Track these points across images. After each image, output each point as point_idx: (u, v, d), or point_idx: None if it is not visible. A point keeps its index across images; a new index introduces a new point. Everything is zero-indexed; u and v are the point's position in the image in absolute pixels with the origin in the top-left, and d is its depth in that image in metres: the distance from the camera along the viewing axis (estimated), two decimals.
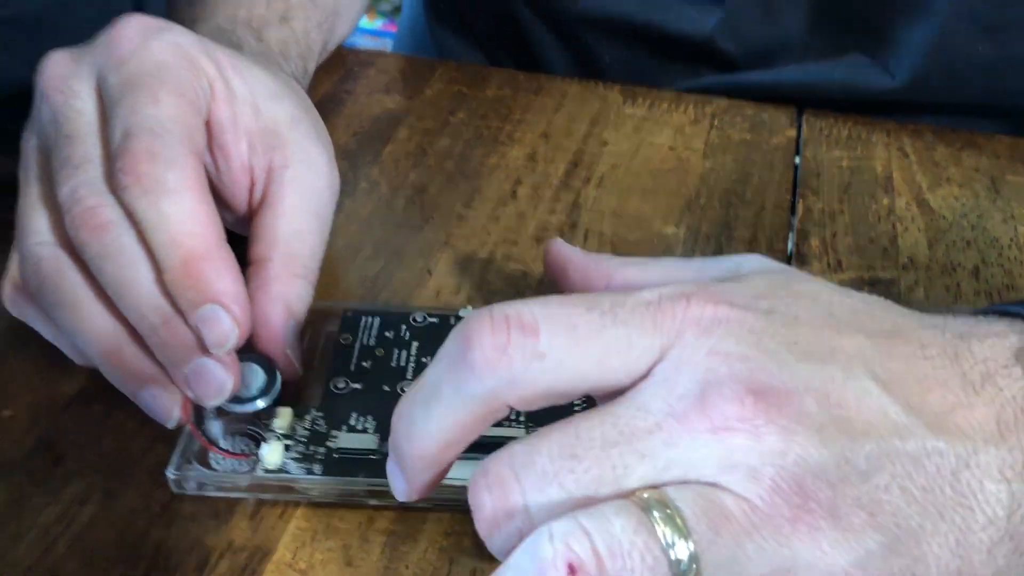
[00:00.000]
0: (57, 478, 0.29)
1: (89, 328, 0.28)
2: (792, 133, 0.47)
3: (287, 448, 0.28)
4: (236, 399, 0.28)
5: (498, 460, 0.22)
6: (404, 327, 0.32)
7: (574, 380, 0.22)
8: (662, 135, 0.46)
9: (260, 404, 0.29)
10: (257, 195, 0.32)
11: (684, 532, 0.20)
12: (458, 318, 0.32)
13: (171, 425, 0.28)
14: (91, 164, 0.29)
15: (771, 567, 0.21)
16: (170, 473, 0.28)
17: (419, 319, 0.33)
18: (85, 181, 0.28)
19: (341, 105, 0.48)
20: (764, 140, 0.46)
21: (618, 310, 0.22)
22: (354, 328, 0.32)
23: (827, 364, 0.22)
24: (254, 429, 0.29)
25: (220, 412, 0.29)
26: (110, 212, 0.28)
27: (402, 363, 0.31)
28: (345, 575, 0.27)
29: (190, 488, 0.28)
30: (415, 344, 0.32)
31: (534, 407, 0.23)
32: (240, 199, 0.32)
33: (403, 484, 0.24)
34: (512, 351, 0.22)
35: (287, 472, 0.28)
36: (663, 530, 0.20)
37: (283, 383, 0.29)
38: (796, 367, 0.22)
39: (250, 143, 0.31)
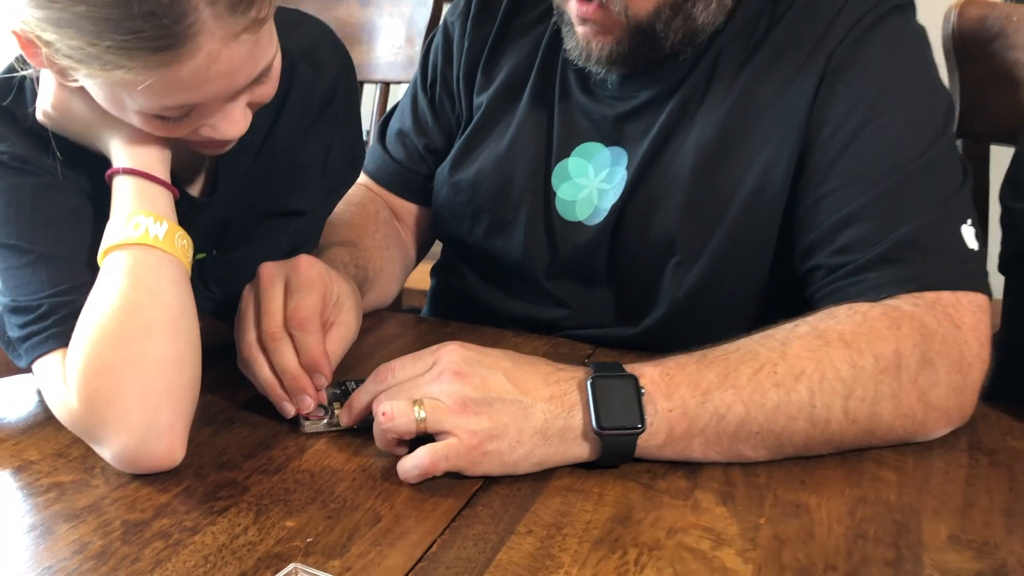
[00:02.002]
0: (238, 422, 0.76)
1: (264, 378, 0.76)
2: (590, 351, 0.95)
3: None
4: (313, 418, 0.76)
5: (384, 394, 0.70)
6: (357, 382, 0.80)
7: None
8: (524, 349, 0.95)
9: (326, 422, 0.76)
10: (328, 328, 0.80)
11: (421, 408, 0.68)
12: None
13: (289, 416, 0.75)
14: (276, 315, 0.76)
15: (441, 418, 0.68)
16: (304, 426, 0.75)
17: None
18: (272, 322, 0.75)
19: (384, 321, 0.98)
20: (574, 352, 0.94)
21: (422, 358, 0.71)
22: (345, 384, 0.80)
23: (490, 369, 0.70)
24: (330, 408, 0.76)
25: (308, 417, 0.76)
26: (280, 335, 0.75)
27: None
28: (337, 464, 0.72)
29: (308, 429, 0.75)
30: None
31: None
32: (323, 325, 0.80)
33: (348, 419, 0.74)
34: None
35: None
36: (415, 407, 0.68)
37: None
38: (477, 369, 0.69)
39: (331, 308, 0.79)
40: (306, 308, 0.75)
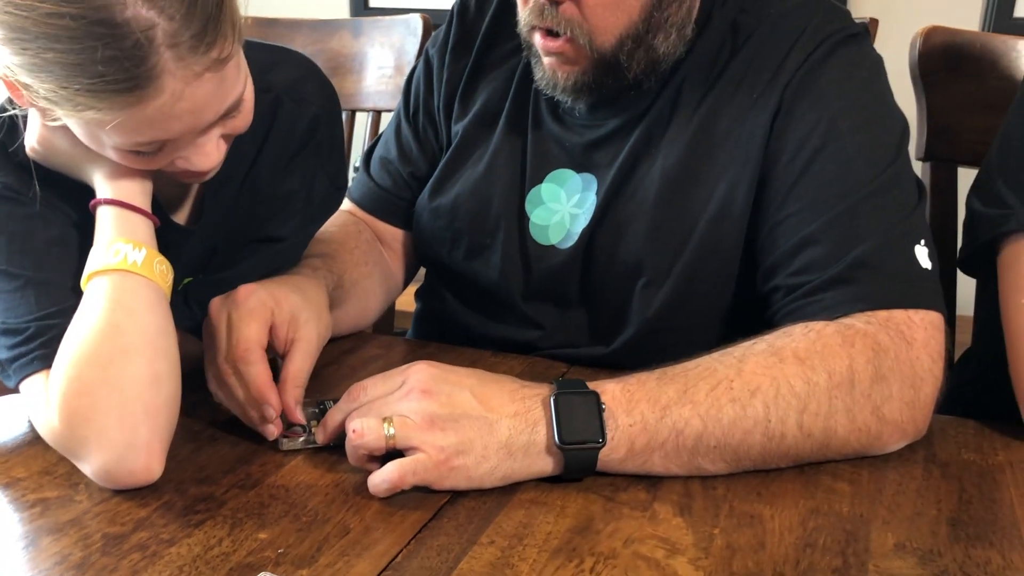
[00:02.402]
0: (220, 439, 0.79)
1: (232, 408, 0.80)
2: (565, 369, 0.98)
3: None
4: (291, 436, 0.79)
5: (355, 412, 0.73)
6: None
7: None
8: (501, 369, 0.97)
9: (303, 440, 0.79)
10: (288, 346, 0.83)
11: (390, 425, 0.71)
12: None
13: (270, 439, 0.79)
14: (222, 351, 0.79)
15: (409, 434, 0.71)
16: (282, 444, 0.78)
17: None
18: (219, 359, 0.79)
19: (366, 342, 1.01)
20: (549, 371, 0.97)
21: (392, 377, 0.74)
22: (323, 404, 0.83)
23: (456, 387, 0.73)
24: (308, 427, 0.79)
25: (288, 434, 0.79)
26: (226, 371, 0.79)
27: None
28: (312, 480, 0.75)
29: (285, 447, 0.78)
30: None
31: None
32: (282, 346, 0.83)
33: (323, 437, 0.76)
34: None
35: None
36: (385, 424, 0.71)
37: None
38: (443, 387, 0.72)
39: (287, 327, 0.83)
40: (244, 341, 0.79)
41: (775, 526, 0.69)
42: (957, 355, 1.08)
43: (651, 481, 0.75)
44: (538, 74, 0.97)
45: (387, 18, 1.57)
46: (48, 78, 0.65)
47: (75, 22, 0.63)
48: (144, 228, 0.77)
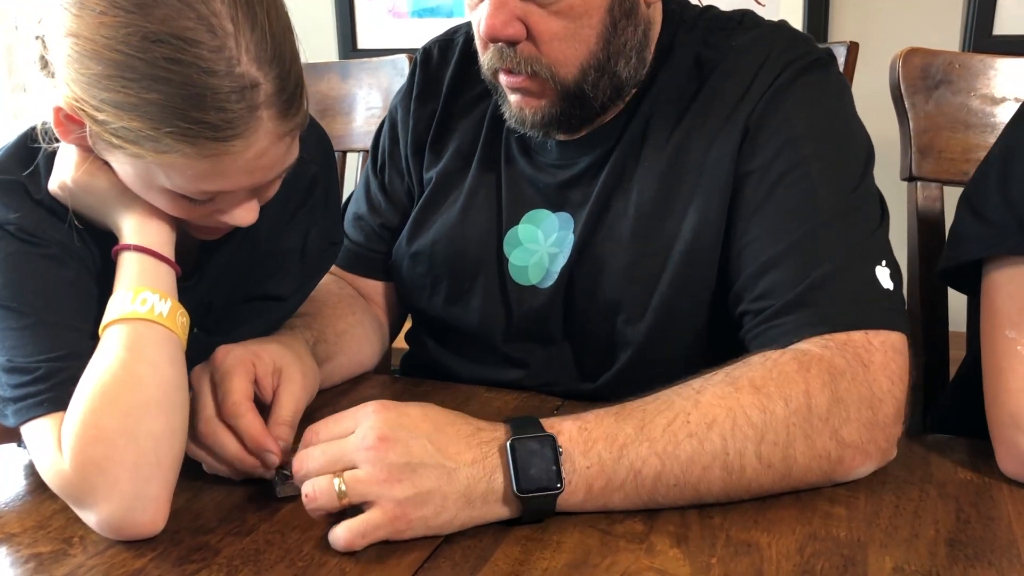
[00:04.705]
0: (215, 487, 0.79)
1: (220, 469, 0.79)
2: (559, 403, 0.98)
3: None
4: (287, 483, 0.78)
5: (307, 460, 0.72)
6: None
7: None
8: (496, 404, 0.97)
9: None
10: (275, 391, 0.83)
11: (342, 483, 0.69)
12: None
13: (269, 477, 0.78)
14: (203, 411, 0.78)
15: (364, 490, 0.69)
16: (277, 490, 0.78)
17: None
18: (201, 422, 0.78)
19: (361, 382, 1.01)
20: (544, 405, 0.97)
21: (343, 420, 0.73)
22: None
23: (412, 433, 0.71)
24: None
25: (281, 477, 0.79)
26: (208, 430, 0.78)
27: None
28: (307, 524, 0.75)
29: (281, 493, 0.78)
30: None
31: None
32: (269, 395, 0.83)
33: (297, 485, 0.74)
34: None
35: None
36: (336, 482, 0.69)
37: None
38: (400, 432, 0.71)
39: (270, 377, 0.83)
40: (231, 395, 0.79)
41: (772, 554, 0.69)
42: (953, 371, 1.08)
43: (647, 512, 0.75)
44: (506, 113, 0.98)
45: (374, 60, 1.58)
46: (139, 117, 0.67)
47: (188, 69, 0.66)
48: (169, 278, 0.77)
